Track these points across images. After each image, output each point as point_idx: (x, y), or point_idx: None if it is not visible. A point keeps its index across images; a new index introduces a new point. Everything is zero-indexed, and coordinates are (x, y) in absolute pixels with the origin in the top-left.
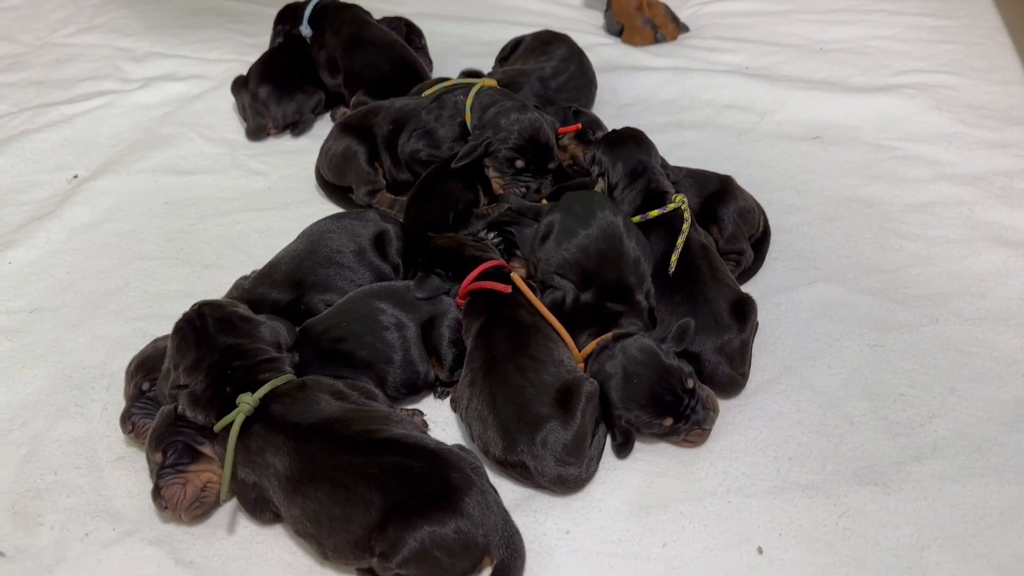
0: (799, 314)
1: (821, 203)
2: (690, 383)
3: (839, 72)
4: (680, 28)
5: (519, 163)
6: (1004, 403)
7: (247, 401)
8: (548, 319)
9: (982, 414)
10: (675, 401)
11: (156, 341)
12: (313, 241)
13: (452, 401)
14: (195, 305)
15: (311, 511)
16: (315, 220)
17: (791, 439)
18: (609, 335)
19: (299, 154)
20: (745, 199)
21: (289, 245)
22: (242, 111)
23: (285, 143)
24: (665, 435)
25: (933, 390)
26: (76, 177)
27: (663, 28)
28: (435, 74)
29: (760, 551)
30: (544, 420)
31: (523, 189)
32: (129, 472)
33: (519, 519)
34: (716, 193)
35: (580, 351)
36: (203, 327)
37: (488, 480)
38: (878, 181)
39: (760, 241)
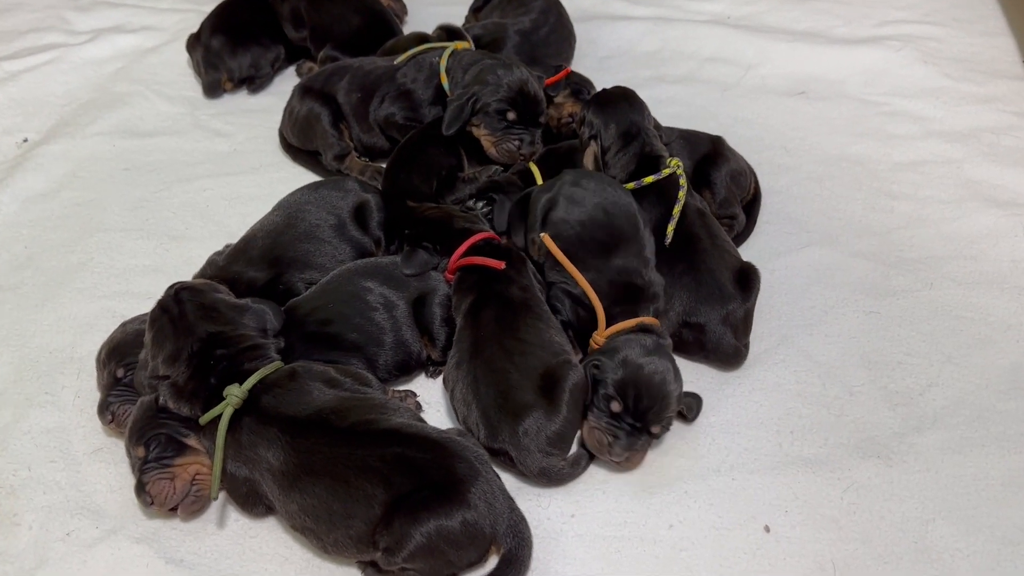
0: (793, 280)
1: (810, 162)
2: (656, 429)
3: (822, 22)
4: None
5: (511, 115)
6: (1001, 370)
7: (235, 393)
8: (586, 290)
9: (980, 382)
10: (637, 412)
11: (125, 324)
12: (290, 214)
13: (444, 380)
14: (171, 289)
15: (309, 506)
16: (287, 186)
17: (792, 412)
18: (634, 324)
19: (264, 113)
20: (737, 161)
21: (264, 217)
22: (196, 68)
23: (248, 101)
24: (593, 420)
25: (931, 358)
26: (26, 141)
27: None
28: (406, 27)
29: (767, 529)
30: (527, 408)
31: (516, 143)
32: (108, 464)
33: (523, 504)
34: (708, 155)
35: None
36: (181, 314)
37: (492, 468)
38: (866, 138)
39: (751, 204)
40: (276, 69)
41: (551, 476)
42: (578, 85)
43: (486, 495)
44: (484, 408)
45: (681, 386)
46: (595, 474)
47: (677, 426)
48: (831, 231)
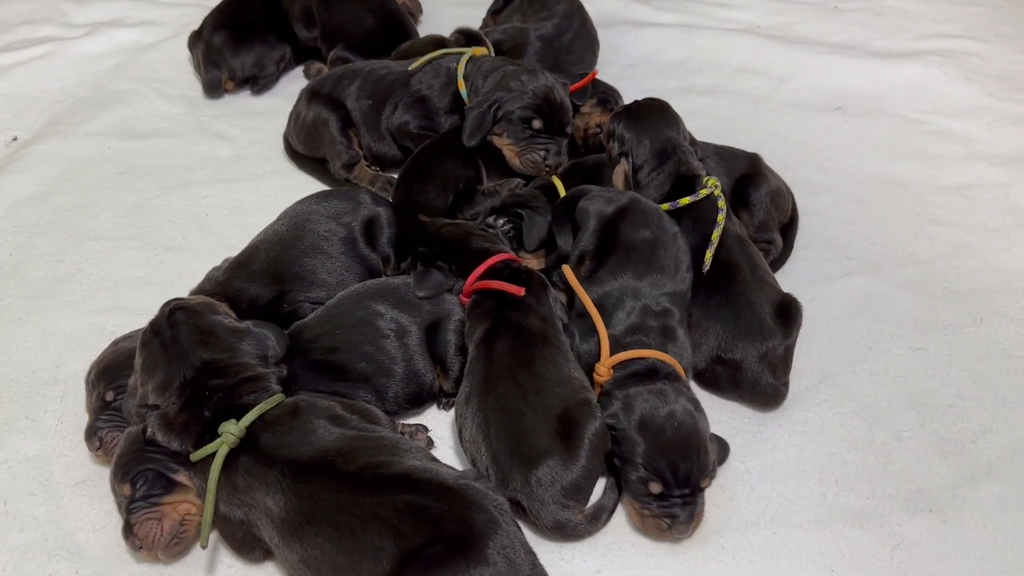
0: (834, 311)
1: (849, 183)
2: (706, 483)
3: (858, 35)
4: None
5: (536, 123)
6: None
7: (231, 431)
8: (590, 311)
9: None
10: (681, 481)
11: (117, 342)
12: (296, 225)
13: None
14: (165, 307)
15: (311, 558)
16: (292, 195)
17: (836, 458)
18: (638, 355)
19: (269, 116)
20: (776, 180)
21: (268, 228)
22: (196, 65)
23: (252, 103)
24: (639, 505)
25: (983, 401)
26: (15, 140)
27: None
28: (420, 27)
29: None
30: (542, 455)
31: (542, 153)
32: (92, 500)
33: (544, 557)
34: (746, 174)
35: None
36: (174, 338)
37: (513, 519)
38: (908, 159)
39: (787, 227)
40: (282, 69)
41: (567, 531)
42: (605, 94)
43: (505, 550)
44: (494, 452)
45: (707, 424)
46: (623, 524)
47: None
48: (873, 258)
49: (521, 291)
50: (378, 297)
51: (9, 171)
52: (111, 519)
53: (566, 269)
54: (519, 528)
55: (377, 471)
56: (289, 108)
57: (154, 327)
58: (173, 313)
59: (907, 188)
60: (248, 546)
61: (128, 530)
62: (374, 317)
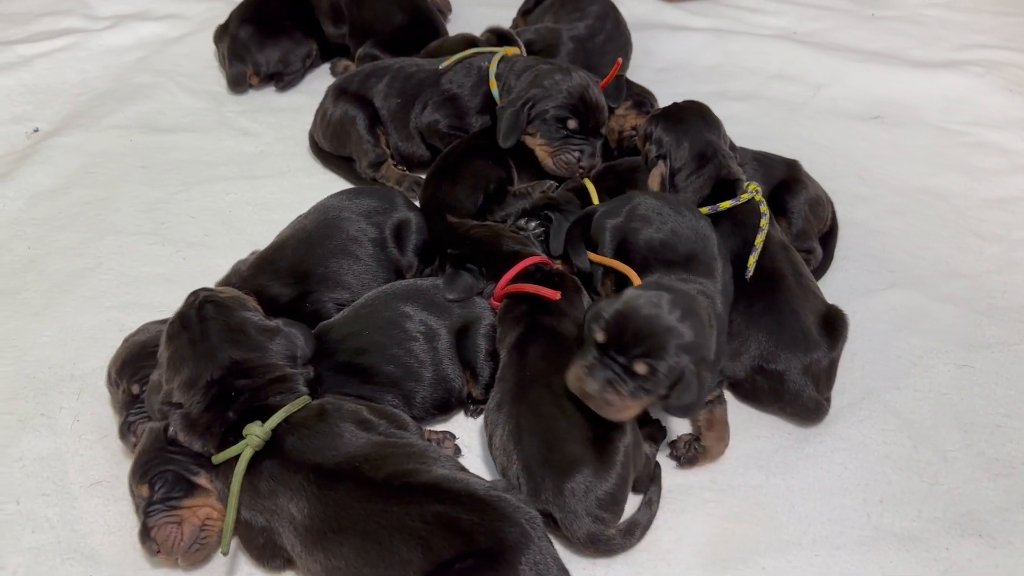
0: (876, 325)
1: (888, 193)
2: (642, 369)
3: (895, 43)
4: None
5: (571, 123)
6: None
7: (256, 433)
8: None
9: None
10: (624, 345)
11: (128, 338)
12: (325, 222)
13: (484, 423)
14: (193, 298)
15: (335, 568)
16: (317, 193)
17: (880, 477)
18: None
19: (295, 113)
20: (815, 188)
21: (297, 223)
22: (221, 59)
23: (278, 99)
24: (579, 363)
25: None
26: (37, 131)
27: None
28: (449, 25)
29: None
30: (576, 465)
31: (576, 154)
32: (108, 501)
33: (576, 572)
34: (784, 181)
35: None
36: (203, 335)
37: (545, 533)
38: (949, 170)
39: (827, 236)
40: (308, 66)
41: (600, 545)
42: (640, 96)
43: (538, 566)
44: (526, 459)
45: (692, 334)
46: (658, 542)
47: (750, 488)
48: (915, 271)
49: (557, 295)
50: (407, 298)
51: (29, 163)
52: (127, 522)
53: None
54: (551, 543)
55: (405, 479)
56: (315, 106)
57: (183, 320)
58: (203, 307)
59: (948, 200)
60: (269, 554)
61: (145, 534)
62: (403, 319)
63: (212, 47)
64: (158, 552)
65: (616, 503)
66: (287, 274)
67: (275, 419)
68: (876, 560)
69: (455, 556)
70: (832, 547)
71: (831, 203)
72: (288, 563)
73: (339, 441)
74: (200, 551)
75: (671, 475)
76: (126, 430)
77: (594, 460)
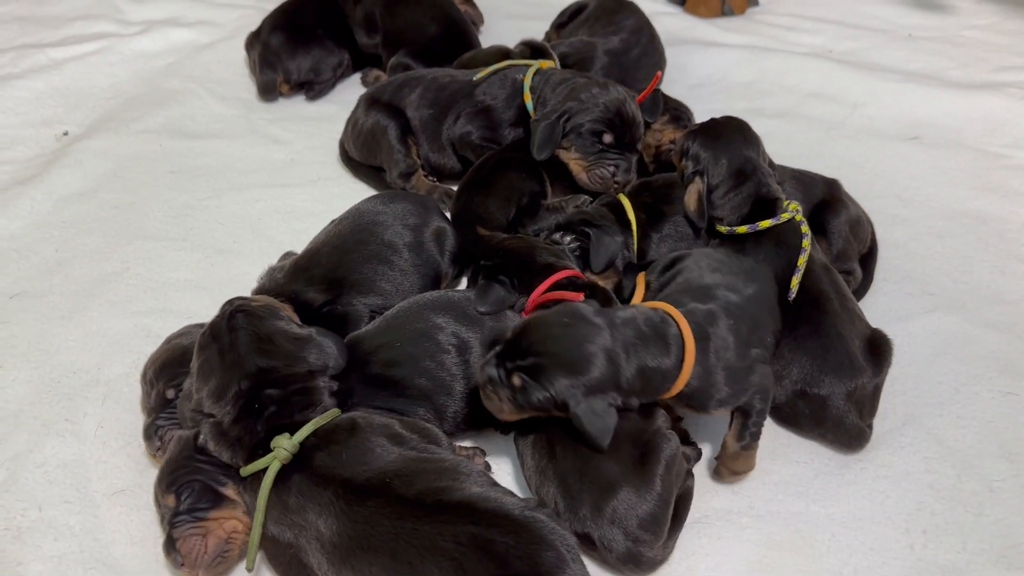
0: (917, 350)
1: (928, 216)
2: (517, 380)
3: (933, 64)
4: (750, 1)
5: (607, 138)
6: None
7: (284, 446)
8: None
9: None
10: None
11: (170, 340)
12: (360, 227)
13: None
14: (227, 307)
15: None
16: (347, 202)
17: (923, 507)
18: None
19: (326, 122)
20: (855, 208)
21: (331, 228)
22: (252, 66)
23: (309, 108)
24: None
25: None
26: (66, 134)
27: (731, 0)
28: (481, 36)
29: None
30: (615, 483)
31: (611, 168)
32: (131, 510)
33: None
34: (824, 201)
35: None
36: (232, 344)
37: (579, 556)
38: (989, 193)
39: (866, 258)
40: (339, 76)
41: (640, 564)
42: (677, 111)
43: None
44: (563, 476)
45: (586, 364)
46: (695, 568)
47: (788, 514)
48: (956, 295)
49: (580, 296)
50: (439, 310)
51: (59, 165)
52: (151, 532)
53: (640, 277)
54: (584, 567)
55: (438, 497)
56: (345, 115)
57: (213, 330)
58: (234, 316)
59: (989, 224)
60: (295, 572)
61: (170, 545)
62: (435, 331)
63: (243, 54)
64: (182, 565)
65: (658, 524)
66: (321, 281)
67: (303, 432)
68: None
69: None
70: None
71: (871, 224)
72: None
73: (370, 456)
74: (222, 564)
75: (708, 499)
76: (152, 432)
77: (634, 478)
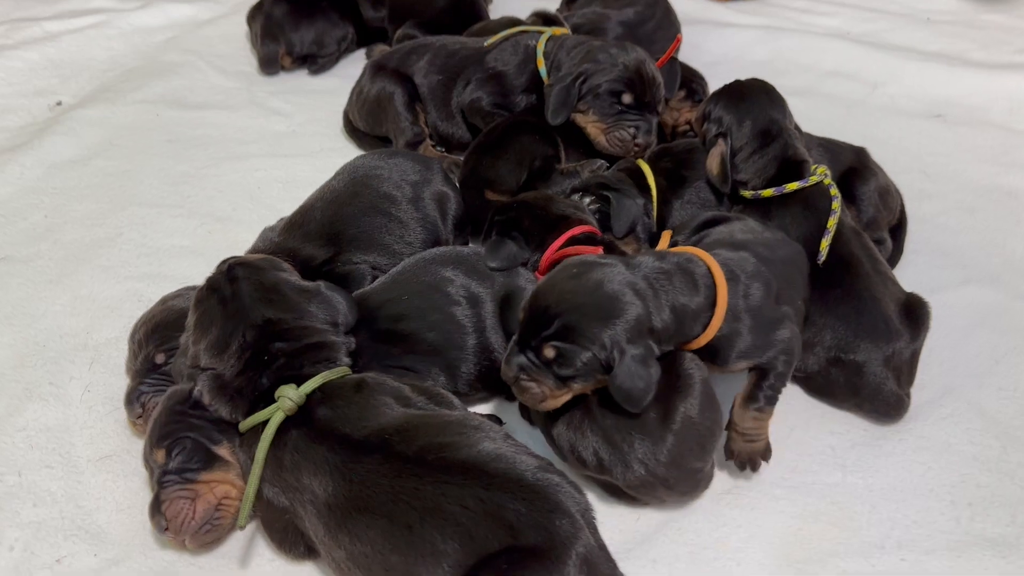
0: (953, 321)
1: (956, 190)
2: (550, 352)
3: (954, 45)
4: None
5: (626, 98)
6: None
7: (289, 396)
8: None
9: None
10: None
11: (166, 300)
12: (355, 180)
13: (522, 408)
14: (223, 264)
15: (360, 555)
16: None
17: (968, 479)
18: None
19: (328, 95)
20: (884, 177)
21: (325, 185)
22: (254, 39)
23: (311, 82)
24: None
25: None
26: (60, 104)
27: None
28: (491, 11)
29: None
30: (661, 428)
31: (632, 130)
32: (117, 477)
33: (632, 570)
34: (853, 168)
35: None
36: (235, 295)
37: (593, 521)
38: (1018, 170)
39: (896, 229)
40: (343, 50)
41: (698, 486)
42: (692, 82)
43: (587, 562)
44: (605, 432)
45: (618, 308)
46: (726, 540)
47: (824, 485)
48: (990, 268)
49: (599, 250)
50: (448, 263)
51: (51, 133)
52: (137, 499)
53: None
54: (599, 533)
55: (441, 454)
56: (348, 89)
57: (211, 284)
58: (232, 269)
59: (1019, 199)
60: (290, 539)
61: (156, 507)
62: (444, 283)
63: (245, 29)
64: (166, 529)
65: (707, 452)
66: (317, 235)
67: (311, 383)
68: (969, 567)
69: (499, 549)
70: (920, 551)
71: (900, 195)
72: (311, 552)
73: (373, 413)
74: (211, 532)
75: (737, 470)
76: (134, 398)
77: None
